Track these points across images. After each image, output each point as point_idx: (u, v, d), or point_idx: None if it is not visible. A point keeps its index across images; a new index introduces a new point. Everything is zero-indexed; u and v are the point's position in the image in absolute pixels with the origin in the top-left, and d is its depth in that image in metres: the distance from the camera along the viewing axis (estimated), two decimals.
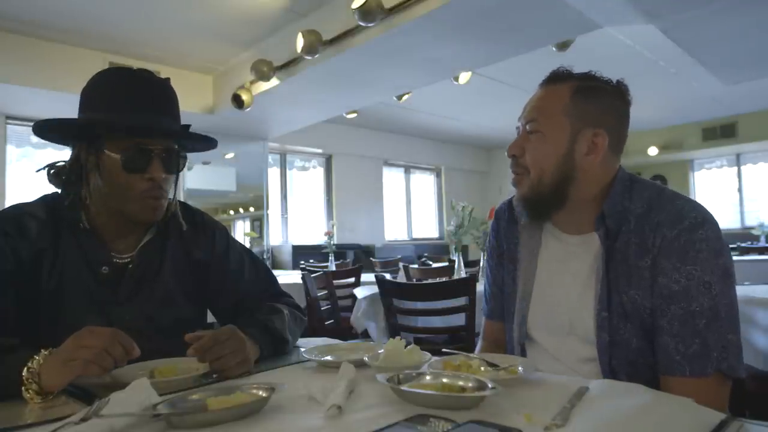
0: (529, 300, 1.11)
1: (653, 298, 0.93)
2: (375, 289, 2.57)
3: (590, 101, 1.02)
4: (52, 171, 1.11)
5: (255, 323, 1.11)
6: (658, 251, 0.93)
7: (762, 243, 6.54)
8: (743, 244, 6.34)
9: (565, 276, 1.06)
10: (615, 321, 0.96)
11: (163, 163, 1.08)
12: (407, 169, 9.30)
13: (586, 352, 1.00)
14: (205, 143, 1.22)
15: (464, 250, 4.44)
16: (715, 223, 0.93)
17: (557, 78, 1.06)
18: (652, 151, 8.55)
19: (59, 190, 1.14)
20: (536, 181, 1.03)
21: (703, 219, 0.92)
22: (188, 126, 1.16)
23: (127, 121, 1.06)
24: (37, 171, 1.14)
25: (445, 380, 0.79)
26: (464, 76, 4.69)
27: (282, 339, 1.13)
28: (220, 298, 1.27)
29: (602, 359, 0.97)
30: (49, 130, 1.11)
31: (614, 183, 1.02)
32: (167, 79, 1.15)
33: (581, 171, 1.01)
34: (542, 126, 1.02)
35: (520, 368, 0.87)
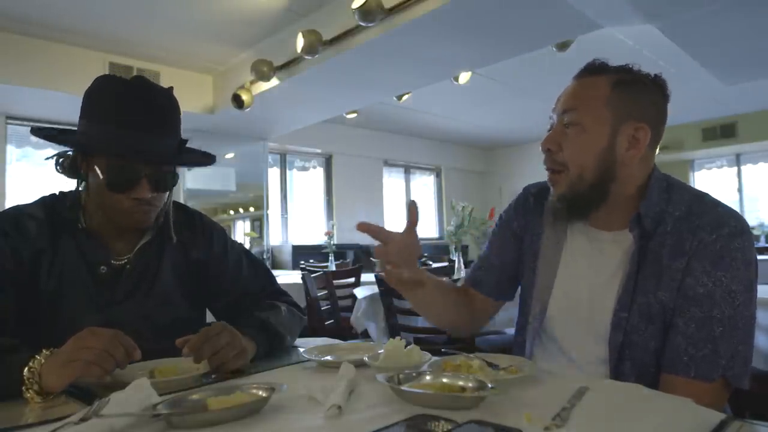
0: (549, 294, 1.08)
1: (677, 298, 0.92)
2: (375, 289, 2.57)
3: (632, 94, 0.97)
4: (60, 159, 1.12)
5: (251, 320, 1.12)
6: (693, 253, 0.92)
7: (762, 243, 6.54)
8: None
9: (589, 272, 1.03)
10: (635, 322, 0.95)
11: (151, 182, 1.06)
12: (407, 169, 9.29)
13: (600, 351, 0.99)
14: (202, 158, 1.19)
15: (464, 250, 4.44)
16: (751, 236, 0.94)
17: (594, 69, 1.01)
18: None
19: (57, 192, 1.14)
20: (576, 178, 0.98)
21: (742, 229, 0.92)
22: (185, 141, 1.12)
23: (112, 147, 1.03)
24: (46, 159, 1.14)
25: (445, 380, 0.79)
26: (464, 76, 4.68)
27: (277, 334, 1.13)
28: (219, 297, 1.27)
29: (612, 359, 0.96)
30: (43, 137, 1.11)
31: (650, 182, 1.00)
32: (169, 90, 1.12)
33: (621, 167, 0.97)
34: (582, 117, 0.97)
35: (519, 368, 0.87)
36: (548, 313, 1.08)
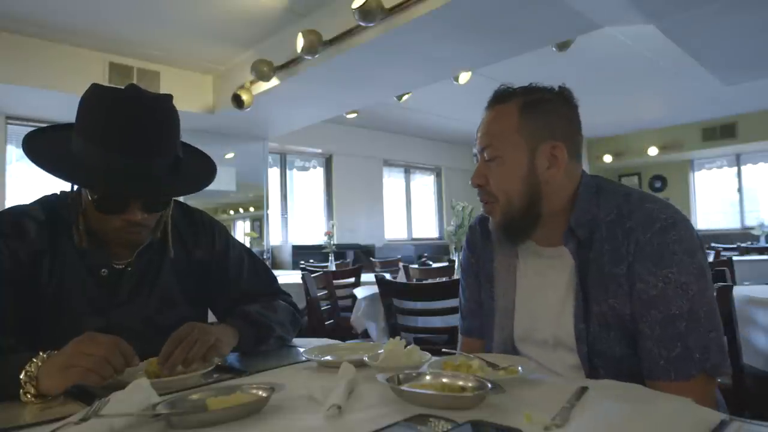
0: (511, 315, 1.09)
1: (632, 305, 0.93)
2: (375, 289, 2.56)
3: (539, 114, 1.00)
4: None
5: (235, 313, 1.15)
6: (633, 258, 0.93)
7: (762, 243, 6.54)
8: (743, 244, 6.34)
9: (545, 289, 1.05)
10: (596, 331, 0.95)
11: (143, 205, 1.03)
12: (407, 169, 9.30)
13: (574, 359, 0.99)
14: (199, 179, 1.12)
15: None
16: (687, 223, 0.93)
17: (502, 98, 1.04)
18: (652, 151, 8.55)
19: (59, 191, 1.14)
20: (506, 206, 1.02)
21: (674, 220, 0.92)
22: (180, 159, 1.07)
23: (99, 174, 0.98)
24: None
25: (445, 380, 0.79)
26: (464, 76, 4.69)
27: (261, 323, 1.14)
28: (220, 296, 1.27)
29: (584, 368, 0.97)
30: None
31: (578, 192, 1.01)
32: (167, 100, 1.05)
33: (546, 185, 1.00)
34: (498, 150, 1.01)
35: (520, 368, 0.87)
36: (515, 334, 1.09)
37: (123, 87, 1.02)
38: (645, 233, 0.92)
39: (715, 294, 0.94)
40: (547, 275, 1.05)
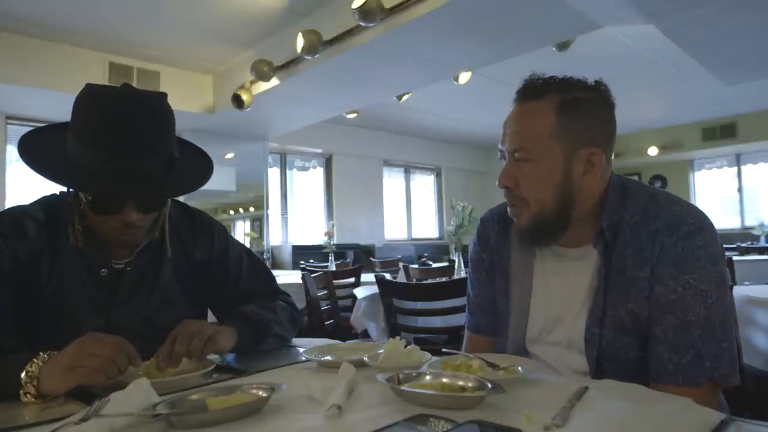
0: (527, 315, 1.06)
1: (650, 307, 0.91)
2: (375, 289, 2.56)
3: (578, 117, 0.94)
4: None
5: (234, 313, 1.15)
6: (656, 260, 0.91)
7: (762, 243, 6.54)
8: (743, 244, 6.34)
9: (565, 290, 1.02)
10: (611, 335, 0.94)
11: (138, 205, 1.02)
12: (407, 169, 9.30)
13: (582, 365, 0.98)
14: (197, 178, 1.11)
15: (464, 250, 4.44)
16: (712, 229, 0.91)
17: (536, 92, 0.96)
18: (652, 151, 8.54)
19: (58, 192, 1.14)
20: (537, 212, 0.97)
21: (701, 225, 0.90)
22: (174, 159, 1.06)
23: (93, 175, 0.97)
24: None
25: (445, 380, 0.79)
26: (464, 76, 4.69)
27: (260, 322, 1.14)
28: (219, 296, 1.27)
29: (591, 371, 0.96)
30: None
31: (608, 193, 0.98)
32: (161, 99, 1.04)
33: (580, 191, 0.96)
34: (532, 154, 0.94)
35: (520, 368, 0.87)
36: (528, 335, 1.06)
37: (118, 86, 1.02)
38: (671, 236, 0.90)
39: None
40: (569, 276, 1.02)
